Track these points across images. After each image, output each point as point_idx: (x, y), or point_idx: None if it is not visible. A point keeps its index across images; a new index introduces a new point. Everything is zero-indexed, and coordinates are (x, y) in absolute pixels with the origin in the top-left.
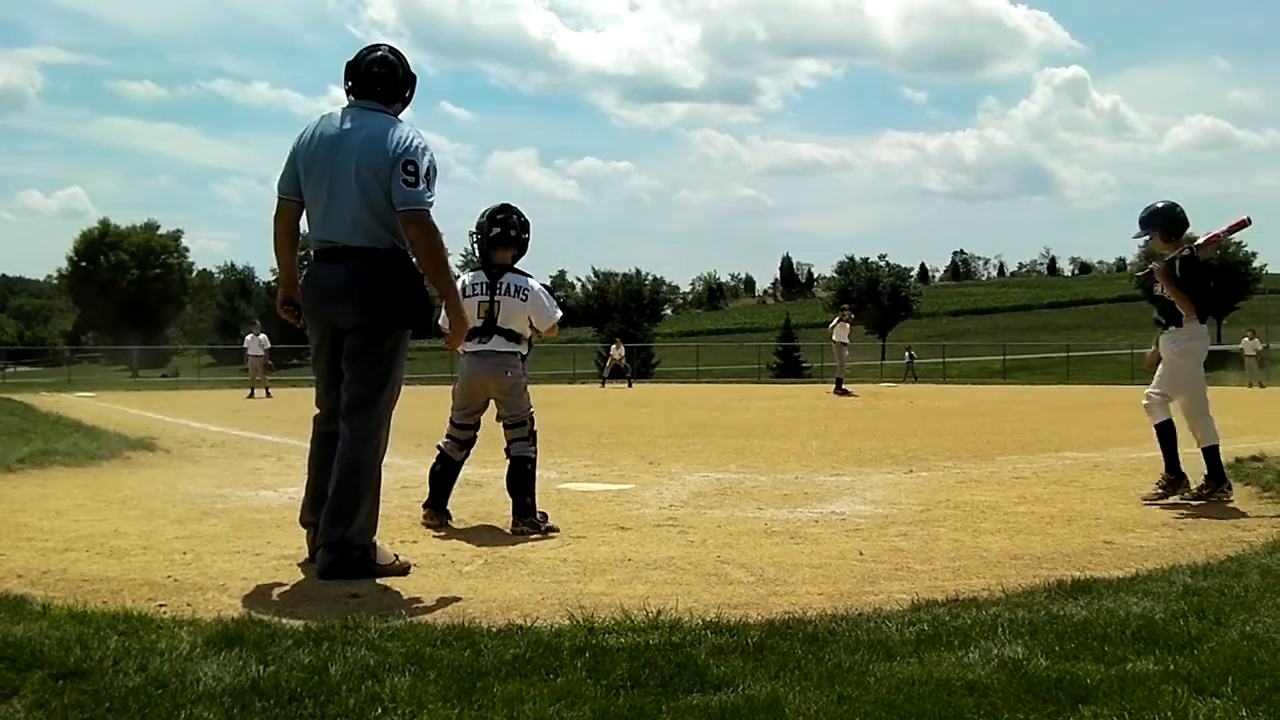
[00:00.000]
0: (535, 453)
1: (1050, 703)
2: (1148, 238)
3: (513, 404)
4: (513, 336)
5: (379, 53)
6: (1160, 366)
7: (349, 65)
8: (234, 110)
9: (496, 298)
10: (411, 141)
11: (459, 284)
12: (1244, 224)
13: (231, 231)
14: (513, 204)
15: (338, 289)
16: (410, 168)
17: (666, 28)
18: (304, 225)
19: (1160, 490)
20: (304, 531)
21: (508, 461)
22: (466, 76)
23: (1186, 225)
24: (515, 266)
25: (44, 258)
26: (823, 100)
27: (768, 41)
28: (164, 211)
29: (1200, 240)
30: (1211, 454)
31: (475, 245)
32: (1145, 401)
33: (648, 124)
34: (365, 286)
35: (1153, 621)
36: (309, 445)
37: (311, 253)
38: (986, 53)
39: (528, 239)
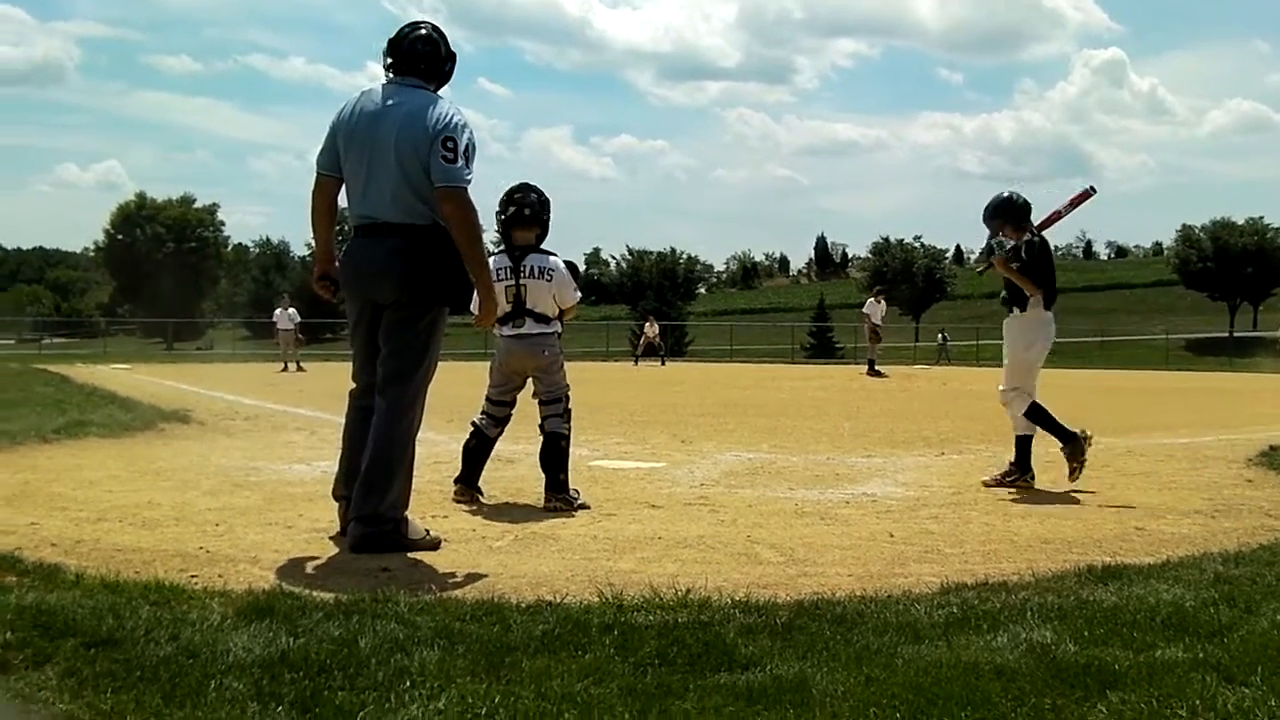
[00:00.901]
0: (569, 430)
1: (1078, 688)
2: (998, 232)
3: (549, 380)
4: (543, 318)
5: (422, 30)
6: (1005, 356)
7: (390, 42)
8: (270, 85)
9: (521, 280)
10: (452, 118)
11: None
12: (1087, 195)
13: (267, 206)
14: (531, 183)
15: (377, 265)
16: (449, 144)
17: (703, 5)
18: (343, 201)
19: (1075, 466)
20: (336, 505)
21: (541, 438)
22: (503, 53)
23: (1029, 211)
24: (539, 247)
25: (81, 230)
26: (859, 80)
27: (805, 20)
28: (200, 185)
29: (1041, 219)
30: (1023, 442)
31: (497, 228)
32: (1002, 400)
33: (684, 102)
34: (405, 262)
35: (1183, 609)
36: (343, 419)
37: (351, 229)
38: (1024, 34)
39: (548, 218)
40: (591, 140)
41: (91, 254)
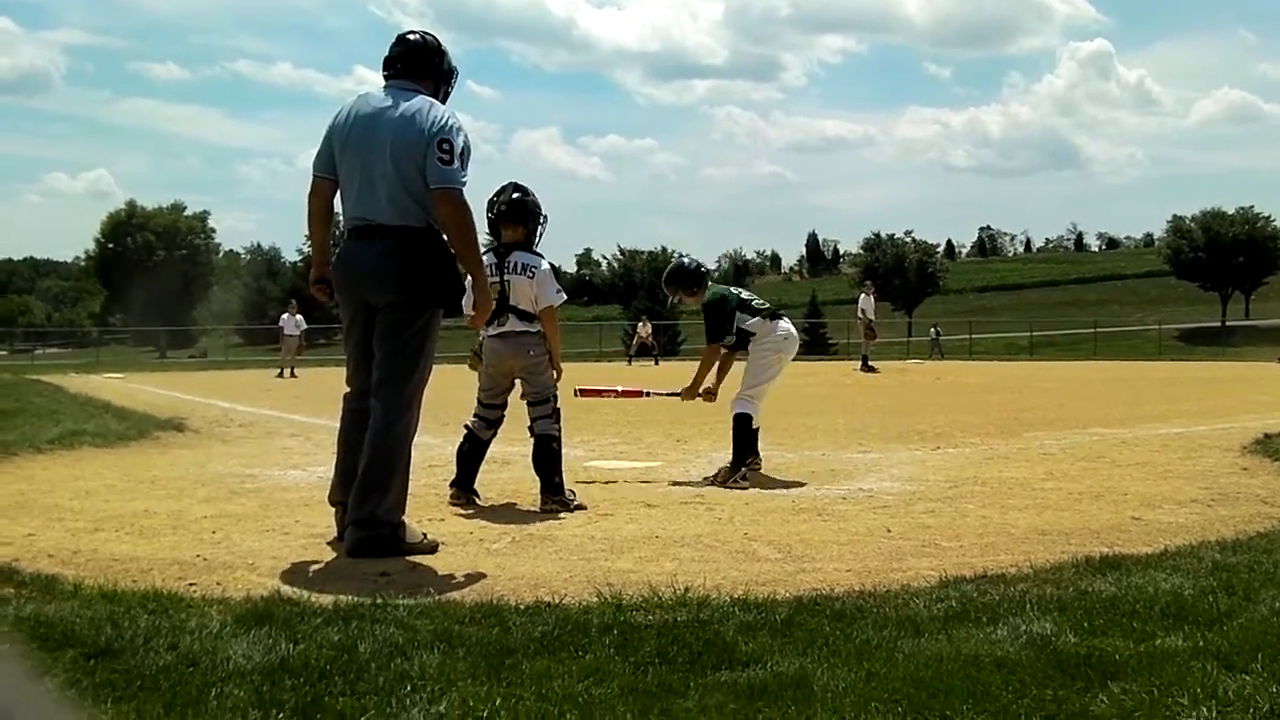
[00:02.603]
0: (559, 430)
1: (1079, 679)
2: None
3: (536, 381)
4: (526, 315)
5: (418, 36)
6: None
7: (390, 47)
8: (257, 91)
9: (506, 276)
10: (447, 120)
11: None
12: (640, 394)
13: (257, 212)
14: (521, 183)
15: (371, 267)
16: (445, 146)
17: (690, 4)
18: (338, 204)
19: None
20: (333, 510)
21: (532, 440)
22: (489, 55)
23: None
24: (529, 247)
25: (71, 240)
26: (847, 76)
27: (791, 17)
28: (190, 193)
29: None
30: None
31: (488, 228)
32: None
33: (671, 101)
34: (399, 264)
35: (1182, 598)
36: (339, 424)
37: (344, 231)
38: (1011, 27)
39: (537, 215)
40: (580, 140)
41: (82, 263)
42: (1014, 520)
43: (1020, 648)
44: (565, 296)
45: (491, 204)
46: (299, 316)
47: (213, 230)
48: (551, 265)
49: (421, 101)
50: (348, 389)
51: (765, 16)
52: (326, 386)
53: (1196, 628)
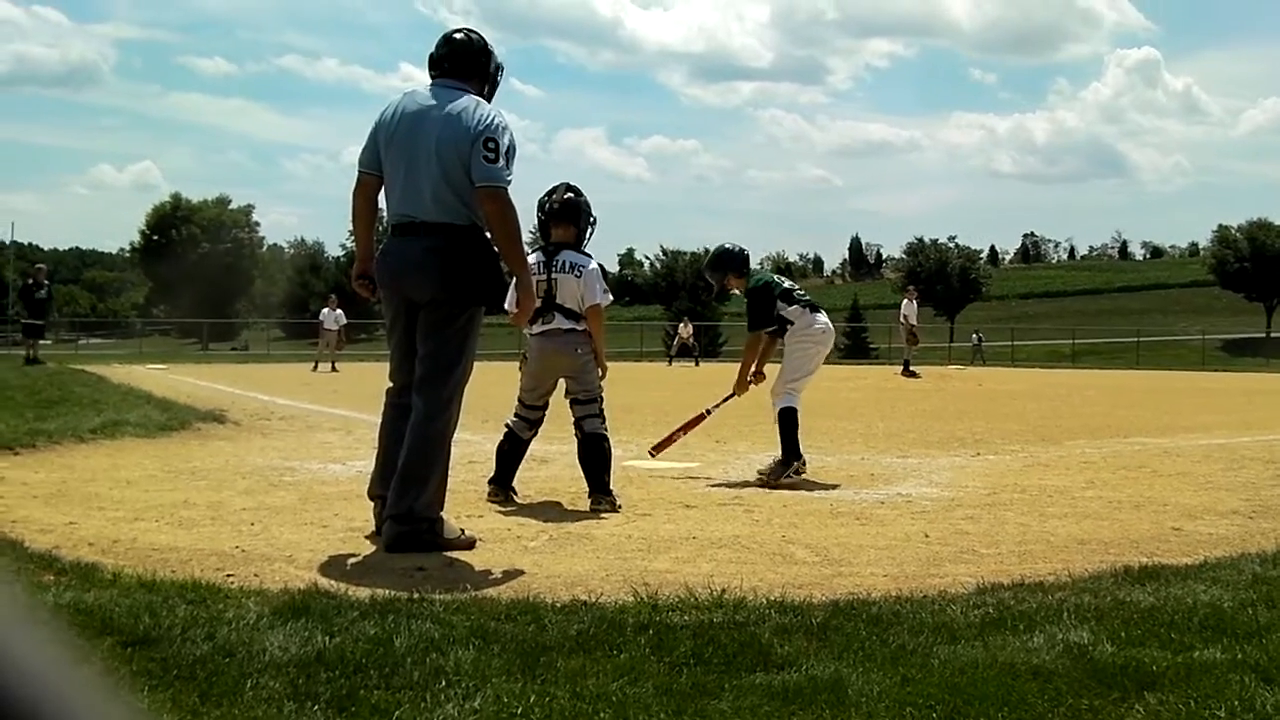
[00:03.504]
0: (607, 430)
1: (1115, 689)
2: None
3: (583, 379)
4: (572, 314)
5: (463, 34)
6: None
7: (435, 45)
8: (304, 86)
9: (553, 274)
10: (493, 119)
11: None
12: (701, 418)
13: (302, 207)
14: (572, 183)
15: (415, 263)
16: (491, 144)
17: (736, 5)
18: (383, 201)
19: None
20: (371, 504)
21: (578, 438)
22: (535, 54)
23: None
24: (579, 248)
25: (117, 231)
26: (893, 80)
27: (838, 20)
28: (235, 186)
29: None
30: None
31: (534, 228)
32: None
33: (716, 103)
34: (442, 261)
35: (1220, 610)
36: (379, 419)
37: (388, 227)
38: (1058, 33)
39: (589, 216)
40: (625, 141)
41: (127, 254)
42: (1053, 528)
43: (1056, 656)
44: (611, 297)
45: (542, 204)
46: (339, 311)
47: (257, 224)
48: (600, 265)
49: (468, 100)
50: (390, 384)
51: (812, 19)
52: (366, 381)
53: (1235, 640)
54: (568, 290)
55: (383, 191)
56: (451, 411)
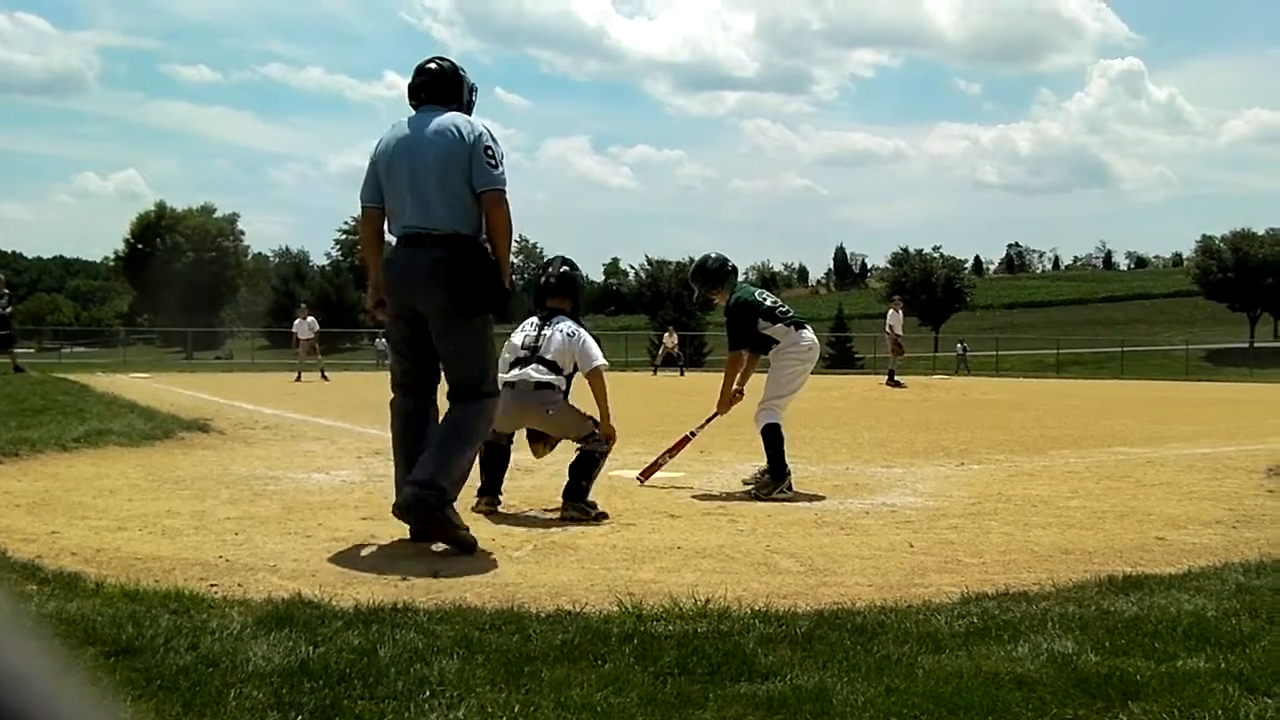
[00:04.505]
0: (607, 450)
1: (1099, 698)
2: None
3: (569, 429)
4: (553, 366)
5: (439, 63)
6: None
7: (413, 75)
8: (288, 94)
9: (544, 331)
10: (483, 129)
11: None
12: (686, 440)
13: (287, 215)
14: (568, 257)
15: (422, 273)
16: (489, 151)
17: (721, 16)
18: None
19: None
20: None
21: (577, 450)
22: (520, 63)
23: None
24: (575, 317)
25: (101, 239)
26: (877, 91)
27: (823, 30)
28: (219, 195)
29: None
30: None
31: (532, 294)
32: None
33: (701, 112)
34: (449, 272)
35: (1204, 619)
36: (391, 431)
37: (395, 241)
38: (1043, 44)
39: (581, 290)
40: (610, 150)
41: (111, 263)
42: (1037, 538)
43: (1041, 666)
44: (608, 364)
45: (538, 277)
46: (310, 319)
47: (242, 233)
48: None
49: (456, 115)
50: (393, 394)
51: (797, 29)
52: (352, 391)
53: (1219, 649)
54: (555, 345)
55: (386, 220)
56: (490, 409)
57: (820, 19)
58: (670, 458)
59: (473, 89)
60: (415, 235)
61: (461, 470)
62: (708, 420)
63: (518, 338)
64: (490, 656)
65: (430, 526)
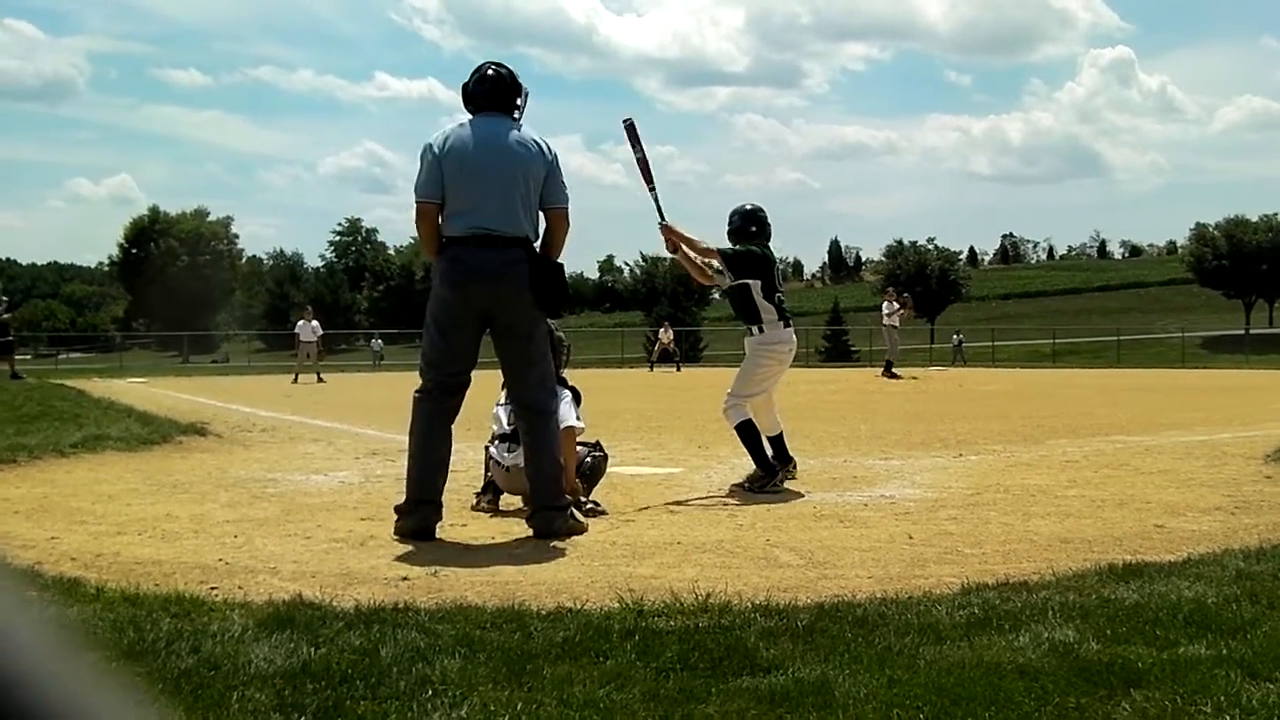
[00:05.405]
0: (605, 465)
1: (1101, 686)
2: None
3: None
4: None
5: (489, 68)
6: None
7: (474, 79)
8: (279, 97)
9: None
10: (553, 149)
11: None
12: (630, 127)
13: (280, 218)
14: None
15: (495, 272)
16: (560, 171)
17: (711, 11)
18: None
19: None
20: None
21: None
22: (510, 61)
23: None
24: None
25: (95, 245)
26: (869, 83)
27: (813, 24)
28: (212, 198)
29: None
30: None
31: None
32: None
33: (692, 108)
34: (523, 271)
35: (1205, 606)
36: (414, 424)
37: (454, 238)
38: (1033, 34)
39: (560, 346)
40: (602, 147)
41: (106, 268)
42: (1036, 527)
43: (1042, 655)
44: (584, 425)
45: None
46: (315, 322)
47: (235, 236)
48: (575, 389)
49: (527, 131)
50: (425, 384)
51: (787, 24)
52: (348, 392)
53: (1220, 636)
54: None
55: (444, 213)
56: (560, 411)
57: (810, 12)
58: (642, 162)
59: (526, 95)
60: (487, 236)
61: (565, 473)
62: (661, 209)
63: (502, 412)
64: (492, 655)
65: (570, 534)
